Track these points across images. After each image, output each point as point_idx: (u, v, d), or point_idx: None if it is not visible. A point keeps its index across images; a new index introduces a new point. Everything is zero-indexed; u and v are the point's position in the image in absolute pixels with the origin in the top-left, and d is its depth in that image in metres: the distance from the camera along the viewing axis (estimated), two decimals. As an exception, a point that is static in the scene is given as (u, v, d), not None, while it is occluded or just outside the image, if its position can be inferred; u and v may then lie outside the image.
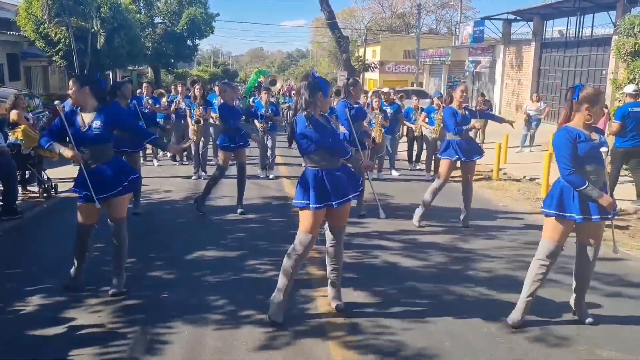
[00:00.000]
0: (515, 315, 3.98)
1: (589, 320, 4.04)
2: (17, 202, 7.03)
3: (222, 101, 7.28)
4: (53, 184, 8.16)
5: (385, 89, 11.87)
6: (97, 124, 4.27)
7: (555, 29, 20.91)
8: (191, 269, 5.16)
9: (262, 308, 4.09)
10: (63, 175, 8.89)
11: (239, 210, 7.26)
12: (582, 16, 18.05)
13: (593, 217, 3.75)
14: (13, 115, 7.82)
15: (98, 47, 20.29)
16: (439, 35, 44.90)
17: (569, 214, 3.77)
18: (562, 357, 3.60)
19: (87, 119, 4.30)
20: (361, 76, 37.68)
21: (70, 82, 4.45)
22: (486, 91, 23.26)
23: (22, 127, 7.72)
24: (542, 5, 19.09)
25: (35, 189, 8.13)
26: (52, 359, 3.49)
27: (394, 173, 10.88)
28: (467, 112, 6.78)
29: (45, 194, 7.95)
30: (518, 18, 21.87)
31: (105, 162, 4.35)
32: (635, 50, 11.89)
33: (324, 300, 4.36)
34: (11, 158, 7.04)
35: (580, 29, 18.32)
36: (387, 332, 3.89)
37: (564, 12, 18.98)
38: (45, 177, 8.14)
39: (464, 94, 6.69)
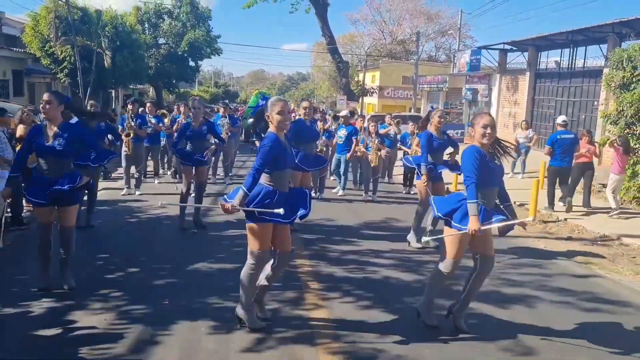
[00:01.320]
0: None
1: (464, 328, 4.32)
2: (22, 214, 7.30)
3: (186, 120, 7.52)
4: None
5: (344, 112, 12.10)
6: (59, 140, 4.64)
7: (550, 59, 21.41)
8: (191, 278, 5.44)
9: (256, 316, 4.35)
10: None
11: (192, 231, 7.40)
12: (575, 48, 18.56)
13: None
14: (20, 130, 8.10)
15: (105, 65, 20.69)
16: (437, 62, 45.57)
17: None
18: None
19: (52, 133, 4.66)
20: (360, 100, 38.22)
21: (48, 96, 4.75)
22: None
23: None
24: (536, 37, 19.60)
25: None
26: (56, 358, 3.74)
27: (340, 192, 11.02)
28: (445, 137, 6.92)
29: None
30: (514, 48, 22.40)
31: (63, 175, 4.71)
32: (623, 82, 12.26)
33: (316, 311, 4.62)
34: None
35: (573, 61, 18.82)
36: (371, 340, 4.15)
37: (558, 44, 19.49)
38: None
39: (441, 120, 6.83)
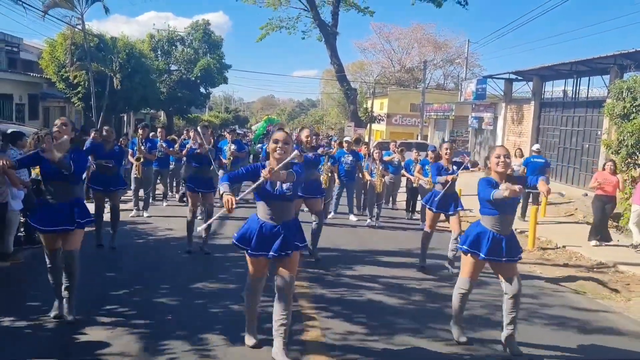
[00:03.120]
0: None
1: (517, 352, 4.45)
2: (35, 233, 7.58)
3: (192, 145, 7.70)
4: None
5: (347, 138, 12.48)
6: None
7: (556, 89, 21.71)
8: (194, 297, 5.66)
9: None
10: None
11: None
12: (579, 79, 18.86)
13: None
14: (35, 152, 8.45)
15: (115, 86, 21.15)
16: (445, 91, 46.06)
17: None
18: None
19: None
20: (368, 127, 38.64)
21: (63, 123, 4.78)
22: (487, 146, 23.94)
23: (43, 163, 8.34)
24: (541, 67, 19.94)
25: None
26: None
27: (352, 218, 11.32)
28: (454, 167, 7.22)
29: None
30: (519, 78, 22.76)
31: (68, 201, 4.73)
32: (624, 113, 12.49)
33: (312, 332, 4.82)
34: (31, 192, 7.63)
35: (577, 91, 19.11)
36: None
37: (562, 74, 19.82)
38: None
39: (448, 150, 7.16)
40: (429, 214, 7.30)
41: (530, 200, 12.37)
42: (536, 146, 13.69)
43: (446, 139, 28.97)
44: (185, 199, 12.18)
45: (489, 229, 4.53)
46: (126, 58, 22.26)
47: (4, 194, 6.31)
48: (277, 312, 4.14)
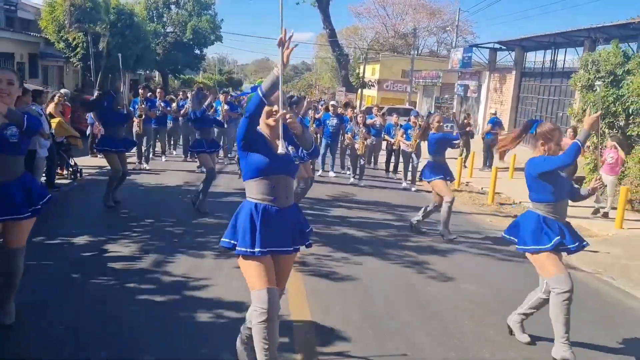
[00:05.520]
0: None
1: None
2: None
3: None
4: (79, 168, 9.80)
5: (332, 102, 13.56)
6: (12, 129, 3.58)
7: (539, 59, 22.57)
8: (193, 226, 6.81)
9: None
10: (85, 163, 10.59)
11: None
12: (557, 50, 19.83)
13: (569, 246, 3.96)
14: (50, 108, 9.44)
15: (101, 48, 21.73)
16: (437, 58, 46.63)
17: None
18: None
19: (2, 121, 3.56)
20: (359, 92, 39.48)
21: (9, 81, 3.56)
22: (472, 112, 24.97)
23: (57, 119, 9.34)
24: (523, 38, 20.86)
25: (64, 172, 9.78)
26: (95, 269, 5.10)
27: (331, 174, 12.46)
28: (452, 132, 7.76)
29: (72, 176, 9.59)
30: (503, 47, 23.67)
31: (13, 179, 3.67)
32: (588, 84, 13.53)
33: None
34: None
35: (555, 61, 20.10)
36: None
37: (542, 45, 20.75)
38: (73, 162, 9.77)
39: (440, 124, 7.43)
40: (442, 184, 7.31)
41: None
42: (493, 110, 18.09)
43: (433, 108, 30.00)
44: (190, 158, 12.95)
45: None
46: (116, 17, 22.96)
47: (33, 143, 7.32)
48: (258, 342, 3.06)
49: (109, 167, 7.99)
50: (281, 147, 2.96)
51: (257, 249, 3.05)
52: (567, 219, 4.13)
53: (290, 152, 3.19)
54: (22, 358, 3.52)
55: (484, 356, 3.97)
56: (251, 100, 3.02)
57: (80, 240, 6.00)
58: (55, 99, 9.47)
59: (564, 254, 4.06)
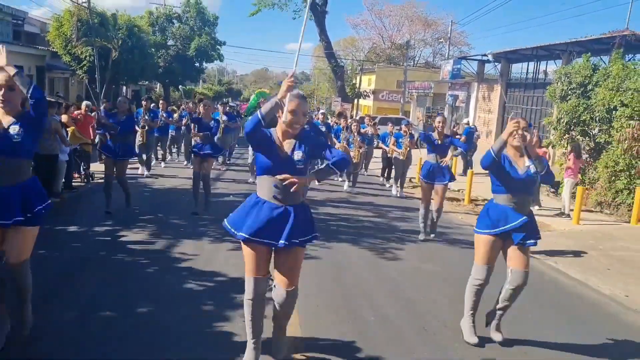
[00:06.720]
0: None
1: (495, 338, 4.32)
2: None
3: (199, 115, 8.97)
4: (91, 172, 10.81)
5: (322, 111, 14.56)
6: (15, 129, 3.51)
7: (524, 71, 23.65)
8: (195, 219, 7.76)
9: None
10: (95, 169, 11.62)
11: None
12: (539, 62, 20.92)
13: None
14: (64, 118, 10.44)
15: (112, 57, 22.83)
16: (433, 69, 47.65)
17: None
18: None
19: (5, 121, 3.53)
20: (356, 102, 40.56)
21: (9, 79, 3.49)
22: (460, 121, 26.03)
23: (71, 128, 10.35)
24: (508, 50, 21.96)
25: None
26: (114, 249, 6.07)
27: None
28: (447, 141, 7.63)
29: (86, 180, 10.60)
30: (490, 59, 24.77)
31: (17, 184, 3.52)
32: (562, 95, 14.54)
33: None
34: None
35: (537, 72, 21.19)
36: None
37: (526, 57, 21.85)
38: (86, 167, 10.77)
39: (441, 124, 7.55)
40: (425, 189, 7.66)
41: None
42: (466, 120, 19.86)
43: (424, 118, 31.02)
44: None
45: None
46: (127, 33, 24.08)
47: (56, 148, 8.35)
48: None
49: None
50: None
51: (240, 233, 3.39)
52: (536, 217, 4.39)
53: (297, 157, 3.42)
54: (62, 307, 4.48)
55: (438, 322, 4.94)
56: (250, 120, 3.32)
57: (99, 229, 7.05)
58: (82, 108, 10.58)
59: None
